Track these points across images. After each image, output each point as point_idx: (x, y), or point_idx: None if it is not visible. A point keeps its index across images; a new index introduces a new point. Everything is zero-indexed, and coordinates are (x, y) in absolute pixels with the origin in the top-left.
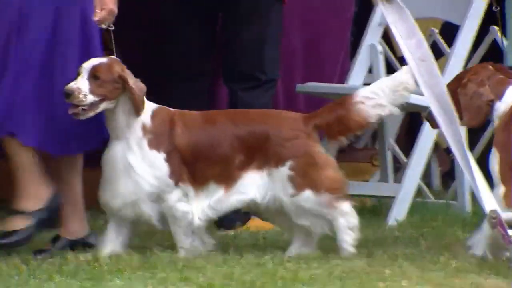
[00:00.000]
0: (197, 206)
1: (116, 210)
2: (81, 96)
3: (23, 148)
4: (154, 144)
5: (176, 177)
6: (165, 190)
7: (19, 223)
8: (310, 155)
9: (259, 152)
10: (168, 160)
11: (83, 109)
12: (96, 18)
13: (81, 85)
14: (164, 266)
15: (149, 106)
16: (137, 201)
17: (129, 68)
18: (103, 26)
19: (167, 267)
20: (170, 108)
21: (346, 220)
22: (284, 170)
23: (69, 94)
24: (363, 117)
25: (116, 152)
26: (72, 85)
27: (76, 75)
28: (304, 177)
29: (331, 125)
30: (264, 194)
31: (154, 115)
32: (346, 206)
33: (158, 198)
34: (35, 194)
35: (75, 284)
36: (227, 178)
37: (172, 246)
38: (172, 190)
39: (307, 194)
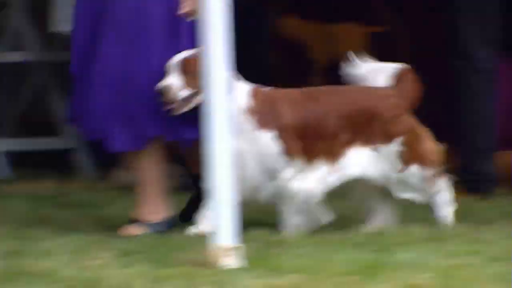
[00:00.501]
0: (309, 183)
1: (241, 197)
2: (174, 92)
3: (154, 162)
4: (260, 124)
5: (289, 154)
6: (278, 169)
7: (136, 231)
8: (415, 130)
9: (365, 129)
10: (278, 138)
11: (177, 104)
12: (183, 11)
13: (173, 81)
14: (452, 238)
15: (244, 88)
16: (254, 185)
17: None
18: (191, 18)
19: (455, 239)
20: (265, 87)
21: (446, 194)
22: (394, 147)
23: (162, 92)
24: None
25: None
26: (165, 82)
27: (166, 72)
28: (412, 153)
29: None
30: (370, 170)
31: (252, 96)
32: (444, 180)
33: (273, 177)
34: (156, 209)
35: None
36: (333, 154)
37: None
38: (285, 168)
39: (414, 169)
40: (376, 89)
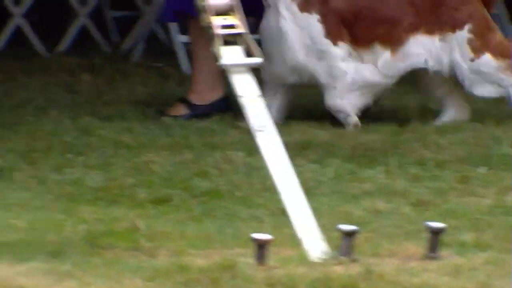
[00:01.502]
0: (361, 68)
1: (282, 78)
2: None
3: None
4: (305, 6)
5: (333, 36)
6: (323, 50)
7: (180, 110)
8: (486, 18)
9: (431, 16)
10: (322, 21)
11: None
12: None
13: None
14: None
15: None
16: (297, 65)
17: None
18: None
19: None
20: None
21: None
22: (463, 34)
23: None
24: None
25: (270, 20)
26: None
27: None
28: (484, 40)
29: None
30: (437, 60)
31: None
32: None
33: (321, 56)
34: (204, 91)
35: None
36: (395, 40)
37: None
38: (331, 49)
39: (486, 57)
40: None
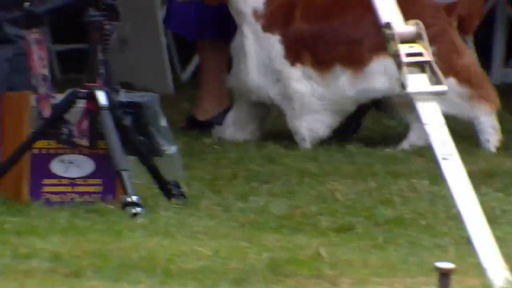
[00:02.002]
0: (320, 90)
1: (242, 95)
2: None
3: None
4: (268, 27)
5: (292, 58)
6: (280, 70)
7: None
8: (454, 41)
9: None
10: (283, 42)
11: None
12: None
13: None
14: None
15: None
16: (254, 85)
17: None
18: None
19: None
20: None
21: (489, 119)
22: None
23: None
24: None
25: (237, 39)
26: None
27: None
28: (447, 64)
29: (472, 16)
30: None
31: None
32: (488, 105)
33: (278, 78)
34: (206, 107)
35: None
36: (356, 61)
37: None
38: (288, 70)
39: (450, 82)
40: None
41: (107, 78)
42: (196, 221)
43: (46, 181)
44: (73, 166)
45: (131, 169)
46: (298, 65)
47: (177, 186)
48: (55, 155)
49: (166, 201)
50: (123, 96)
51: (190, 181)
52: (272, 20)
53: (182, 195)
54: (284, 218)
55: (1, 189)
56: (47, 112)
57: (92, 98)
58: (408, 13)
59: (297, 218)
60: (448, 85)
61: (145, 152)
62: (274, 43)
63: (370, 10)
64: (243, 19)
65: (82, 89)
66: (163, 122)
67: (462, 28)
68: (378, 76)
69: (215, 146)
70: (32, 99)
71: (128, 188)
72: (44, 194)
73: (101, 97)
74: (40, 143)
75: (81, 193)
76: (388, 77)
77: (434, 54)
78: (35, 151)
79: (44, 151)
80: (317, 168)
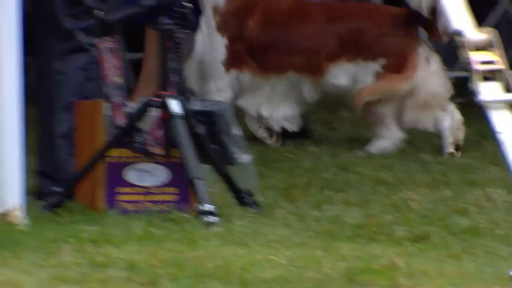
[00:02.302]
0: (253, 99)
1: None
2: None
3: None
4: (221, 27)
5: (229, 65)
6: (212, 74)
7: None
8: (404, 56)
9: (353, 45)
10: (227, 47)
11: None
12: None
13: None
14: None
15: None
16: (194, 79)
17: None
18: None
19: None
20: None
21: (449, 120)
22: (375, 66)
23: None
24: None
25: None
26: None
27: None
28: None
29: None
30: (358, 85)
31: None
32: (450, 106)
33: (209, 79)
34: None
35: None
36: (313, 69)
37: None
38: (217, 77)
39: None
40: (379, 7)
41: (179, 86)
42: (271, 230)
43: (121, 190)
44: (148, 175)
45: (205, 178)
46: (233, 71)
47: (251, 195)
48: (130, 164)
49: (241, 210)
50: (196, 105)
51: (265, 190)
52: (226, 21)
53: (256, 204)
54: (359, 227)
55: (77, 198)
56: (121, 121)
57: (165, 106)
58: (367, 20)
59: (372, 227)
60: None
61: (219, 160)
62: (220, 45)
63: (329, 20)
64: (204, 12)
65: (155, 98)
66: (236, 130)
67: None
68: (338, 79)
69: (289, 154)
70: (106, 107)
71: (202, 196)
72: (119, 202)
73: (174, 106)
74: (115, 152)
75: (156, 202)
76: (348, 78)
77: (381, 66)
78: (110, 160)
79: (118, 160)
80: (392, 177)
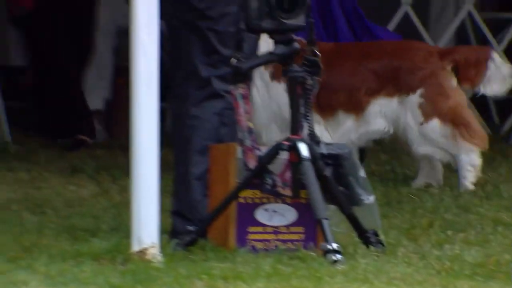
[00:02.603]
0: (326, 135)
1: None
2: None
3: None
4: (275, 76)
5: None
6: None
7: None
8: (439, 84)
9: (391, 80)
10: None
11: None
12: None
13: None
14: None
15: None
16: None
17: None
18: None
19: None
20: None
21: (469, 157)
22: (415, 98)
23: None
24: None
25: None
26: None
27: None
28: (433, 105)
29: (469, 64)
30: (395, 121)
31: None
32: (470, 144)
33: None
34: None
35: None
36: (355, 107)
37: None
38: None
39: (435, 123)
40: (411, 44)
41: (308, 131)
42: (393, 268)
43: (252, 229)
44: (277, 215)
45: (331, 218)
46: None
47: (375, 234)
48: (260, 204)
49: (365, 248)
50: (323, 148)
51: (388, 230)
52: (278, 69)
53: (380, 243)
54: (478, 266)
55: (209, 237)
56: (252, 163)
57: (294, 150)
58: (401, 57)
59: (491, 266)
60: (433, 125)
61: (345, 201)
62: (281, 91)
63: (365, 58)
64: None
65: (285, 142)
66: (361, 172)
67: (465, 79)
68: (375, 119)
69: (411, 196)
70: (238, 151)
71: (328, 236)
72: (250, 241)
73: (303, 149)
74: (246, 193)
75: (284, 241)
76: (384, 119)
77: (421, 96)
78: (241, 200)
79: (249, 201)
80: (511, 218)
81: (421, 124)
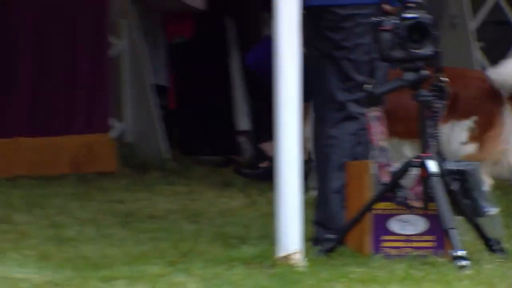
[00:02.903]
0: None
1: None
2: None
3: None
4: None
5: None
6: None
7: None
8: (492, 114)
9: (447, 109)
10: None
11: None
12: None
13: None
14: None
15: None
16: None
17: None
18: None
19: None
20: None
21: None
22: (467, 123)
23: None
24: None
25: None
26: None
27: None
28: (477, 132)
29: None
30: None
31: None
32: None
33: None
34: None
35: None
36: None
37: None
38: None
39: (473, 146)
40: (466, 72)
41: (437, 149)
42: None
43: (385, 237)
44: (409, 225)
45: (458, 228)
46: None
47: (498, 242)
48: (393, 215)
49: (489, 255)
50: (451, 165)
51: (510, 238)
52: None
53: (503, 250)
54: None
55: (347, 244)
56: (385, 179)
57: (424, 166)
58: (456, 84)
59: None
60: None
61: (470, 213)
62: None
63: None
64: None
65: (415, 159)
66: (485, 187)
67: None
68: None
69: None
70: (373, 167)
71: (456, 243)
72: (384, 248)
73: (432, 166)
74: (380, 205)
75: (416, 248)
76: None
77: (474, 122)
78: (376, 211)
79: (383, 212)
80: None
81: (462, 144)
